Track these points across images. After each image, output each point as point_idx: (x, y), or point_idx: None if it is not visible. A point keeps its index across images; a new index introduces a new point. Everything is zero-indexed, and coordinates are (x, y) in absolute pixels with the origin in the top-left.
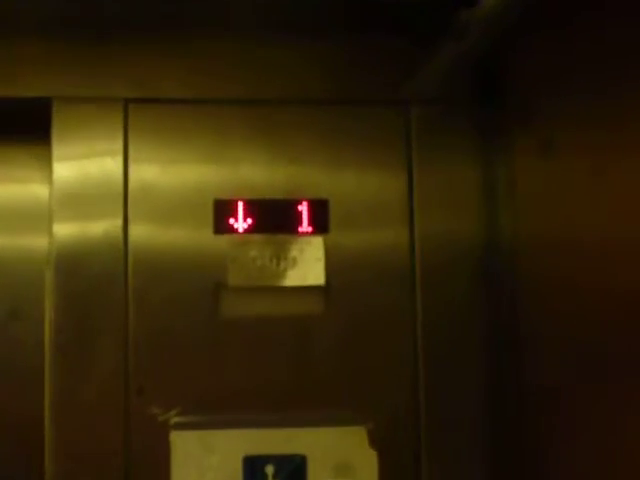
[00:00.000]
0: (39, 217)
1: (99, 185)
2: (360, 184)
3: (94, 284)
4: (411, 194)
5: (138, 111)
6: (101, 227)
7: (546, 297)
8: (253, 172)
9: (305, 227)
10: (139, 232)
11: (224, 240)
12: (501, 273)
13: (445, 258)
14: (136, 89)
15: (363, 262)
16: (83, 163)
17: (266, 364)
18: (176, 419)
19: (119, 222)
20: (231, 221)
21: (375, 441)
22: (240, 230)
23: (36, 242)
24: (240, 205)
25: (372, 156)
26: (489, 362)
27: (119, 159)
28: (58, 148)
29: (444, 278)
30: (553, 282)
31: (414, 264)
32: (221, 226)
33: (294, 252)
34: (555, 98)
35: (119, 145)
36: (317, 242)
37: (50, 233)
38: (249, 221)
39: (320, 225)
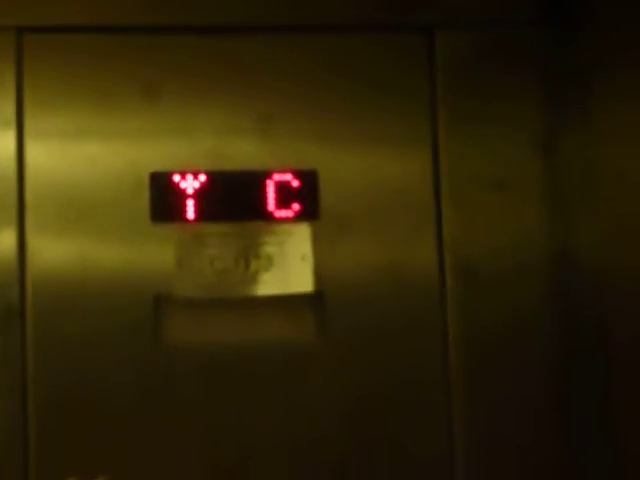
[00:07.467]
0: None
1: None
2: (362, 151)
3: None
4: (436, 169)
5: (36, 44)
6: None
7: None
8: (208, 131)
9: (286, 211)
10: (40, 240)
11: (166, 231)
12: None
13: (486, 259)
14: (32, 15)
15: (370, 260)
16: None
17: (234, 416)
18: None
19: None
20: (177, 203)
21: None
22: (190, 216)
23: None
24: (189, 180)
25: (381, 104)
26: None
27: (10, 132)
28: None
29: (481, 284)
30: None
31: (443, 263)
32: (162, 211)
33: (270, 247)
34: None
35: (10, 104)
36: (303, 232)
37: None
38: (204, 203)
39: (307, 208)
